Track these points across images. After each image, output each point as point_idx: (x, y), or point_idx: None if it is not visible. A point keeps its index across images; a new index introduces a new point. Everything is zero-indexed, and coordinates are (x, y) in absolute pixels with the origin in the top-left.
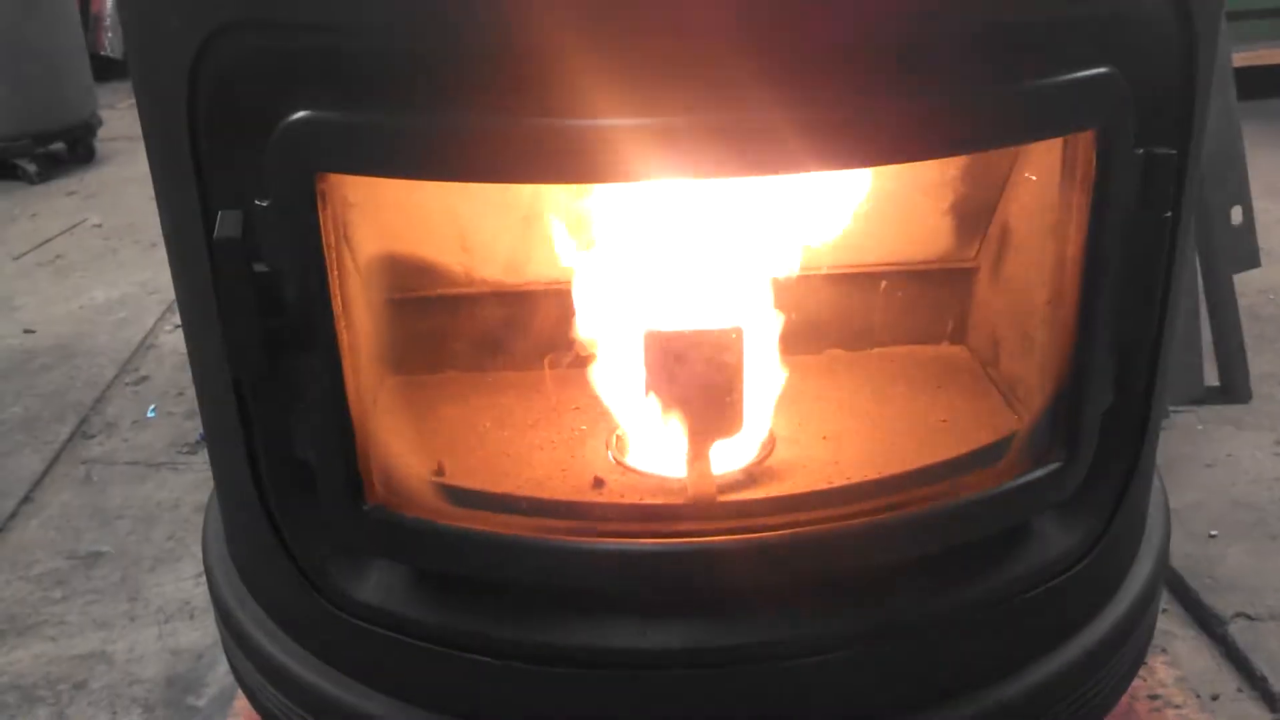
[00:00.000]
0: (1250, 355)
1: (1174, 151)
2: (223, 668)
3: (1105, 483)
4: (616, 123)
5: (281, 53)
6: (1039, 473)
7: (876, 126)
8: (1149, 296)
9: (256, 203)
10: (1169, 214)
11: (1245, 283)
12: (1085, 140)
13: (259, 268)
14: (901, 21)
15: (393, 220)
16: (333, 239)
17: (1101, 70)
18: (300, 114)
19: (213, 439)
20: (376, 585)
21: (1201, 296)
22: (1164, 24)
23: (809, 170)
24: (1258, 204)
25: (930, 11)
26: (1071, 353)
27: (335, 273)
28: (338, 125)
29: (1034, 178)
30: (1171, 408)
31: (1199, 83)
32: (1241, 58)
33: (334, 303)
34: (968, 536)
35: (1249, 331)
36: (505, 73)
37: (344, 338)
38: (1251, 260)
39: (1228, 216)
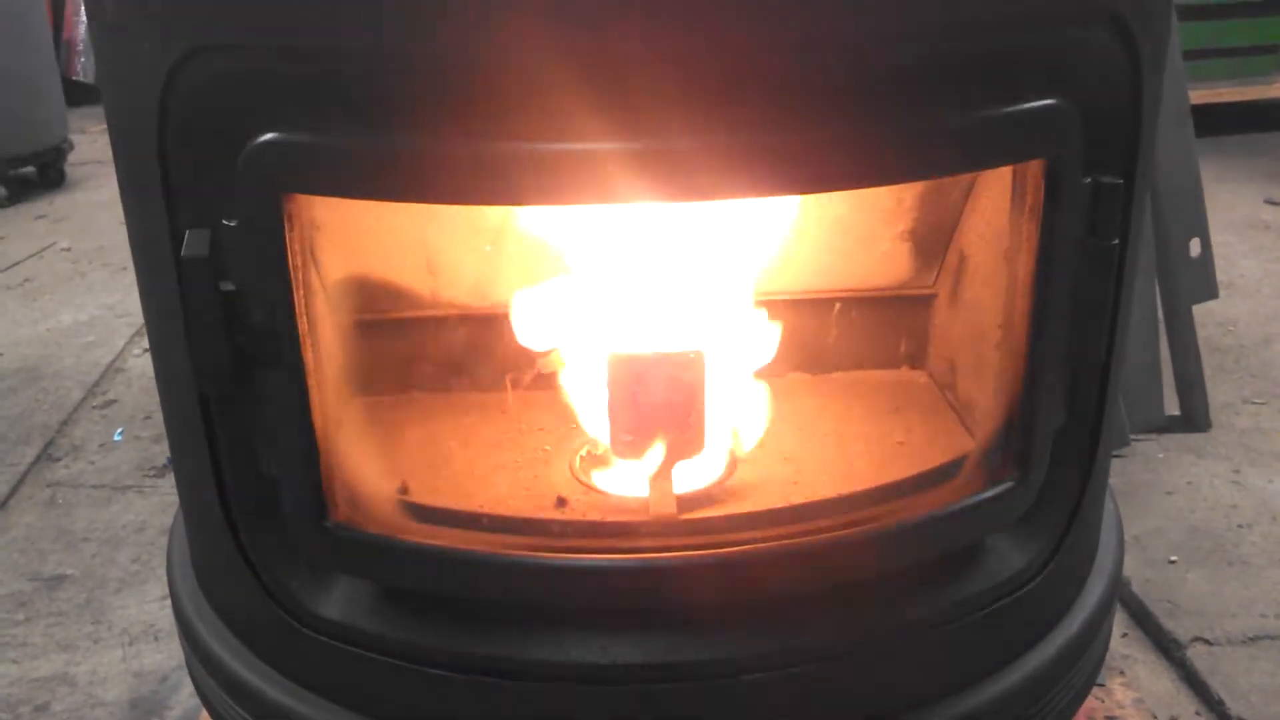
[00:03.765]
0: (1209, 385)
1: (1121, 181)
2: (186, 690)
3: (1057, 502)
4: (581, 147)
5: (251, 75)
6: (992, 491)
7: (827, 153)
8: (1098, 321)
9: (224, 222)
10: (1117, 241)
11: (1204, 314)
12: (1034, 169)
13: (226, 286)
14: (852, 51)
15: (360, 242)
16: (299, 259)
17: (1049, 101)
18: (269, 135)
19: (178, 456)
20: (340, 601)
21: (1161, 327)
22: (1110, 55)
23: (762, 195)
24: (1216, 238)
25: (880, 41)
26: (1024, 374)
27: (301, 292)
28: (305, 147)
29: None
30: (1133, 436)
31: (1145, 113)
32: (1199, 95)
33: (300, 322)
34: (923, 553)
35: (1208, 362)
36: (470, 96)
37: (309, 356)
38: (1210, 292)
39: (1187, 249)
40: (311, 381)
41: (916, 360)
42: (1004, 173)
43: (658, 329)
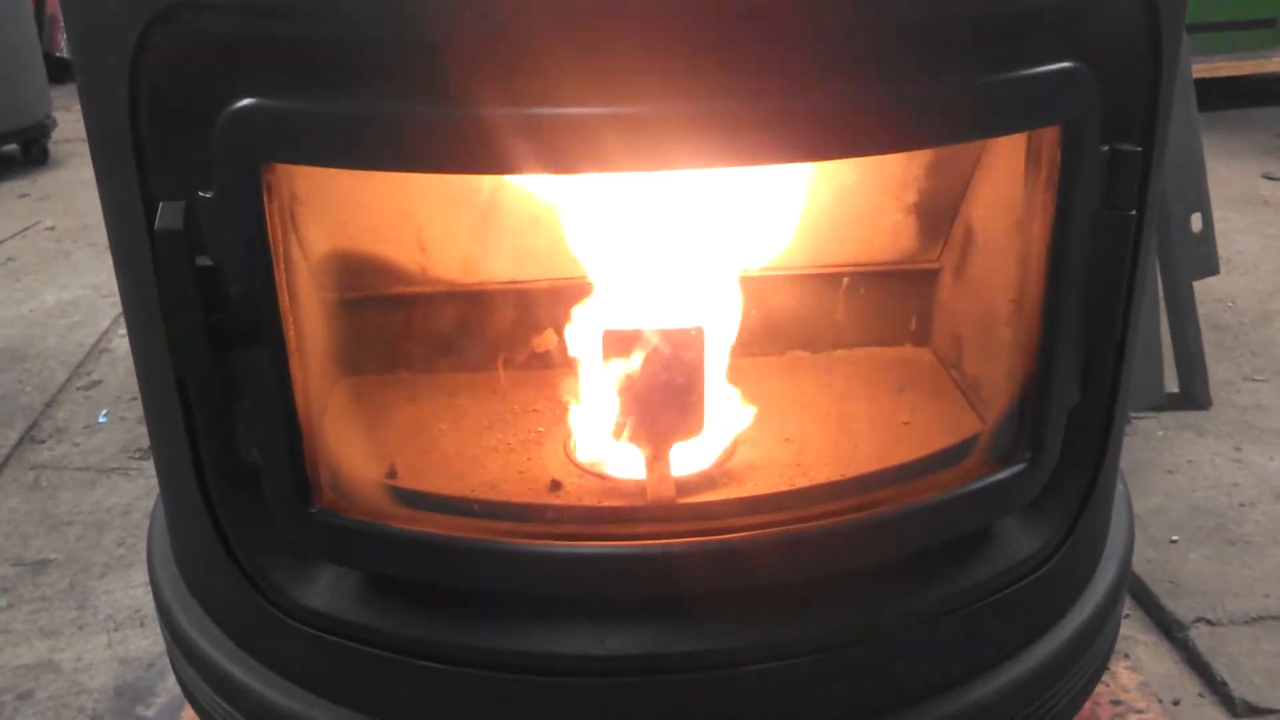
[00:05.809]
0: (1210, 362)
1: (1139, 149)
2: (173, 677)
3: (1070, 484)
4: (574, 111)
5: (227, 37)
6: (1004, 474)
7: (838, 119)
8: (1114, 294)
9: (200, 194)
10: (1133, 212)
11: (1204, 290)
12: (1050, 136)
13: (202, 261)
14: (864, 13)
15: (346, 217)
16: (280, 232)
17: (1067, 65)
18: (245, 101)
19: (156, 439)
20: (325, 591)
21: (1161, 303)
22: (1130, 18)
23: (770, 163)
24: (1216, 213)
25: (893, 3)
26: (1037, 351)
27: (282, 267)
28: (284, 113)
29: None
30: (1132, 414)
31: (1164, 79)
32: (1199, 69)
33: (280, 298)
34: (931, 539)
35: (1208, 339)
36: (459, 60)
37: (291, 334)
38: (1211, 267)
39: (1188, 224)
40: (293, 361)
41: (920, 337)
42: (1016, 141)
43: (656, 305)
